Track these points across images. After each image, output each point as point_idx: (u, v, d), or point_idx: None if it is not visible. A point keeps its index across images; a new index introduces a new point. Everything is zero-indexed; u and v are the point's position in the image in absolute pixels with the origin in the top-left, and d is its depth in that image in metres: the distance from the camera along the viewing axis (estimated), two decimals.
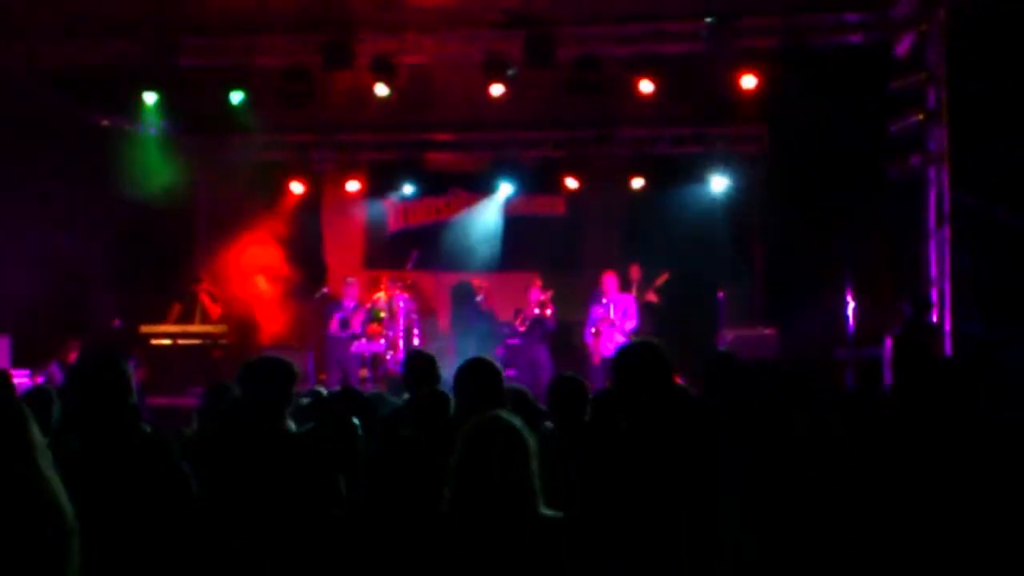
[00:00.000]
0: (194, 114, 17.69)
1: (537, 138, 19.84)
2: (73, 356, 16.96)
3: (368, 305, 18.34)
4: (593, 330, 17.26)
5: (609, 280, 17.27)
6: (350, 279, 18.43)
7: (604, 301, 17.19)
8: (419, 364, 7.92)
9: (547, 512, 4.55)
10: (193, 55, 16.49)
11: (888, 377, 13.73)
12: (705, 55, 15.75)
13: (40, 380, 15.14)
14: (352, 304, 17.96)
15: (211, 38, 16.25)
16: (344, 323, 17.76)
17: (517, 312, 18.17)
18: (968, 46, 13.80)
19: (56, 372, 16.54)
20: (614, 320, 17.04)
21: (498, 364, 6.73)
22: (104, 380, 5.06)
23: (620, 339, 17.04)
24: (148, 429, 5.16)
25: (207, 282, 18.88)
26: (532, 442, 4.67)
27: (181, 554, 4.78)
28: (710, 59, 15.80)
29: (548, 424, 7.22)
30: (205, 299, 18.47)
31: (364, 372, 18.14)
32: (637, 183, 19.69)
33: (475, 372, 6.61)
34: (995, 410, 6.04)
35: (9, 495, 3.78)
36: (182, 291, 18.66)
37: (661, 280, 18.05)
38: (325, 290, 18.46)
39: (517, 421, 4.73)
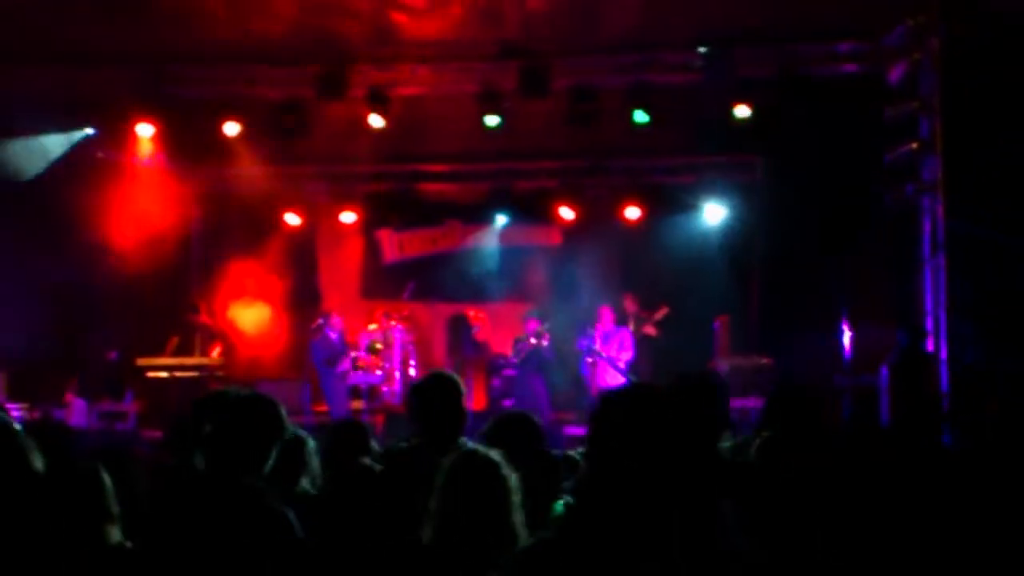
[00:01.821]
0: (189, 146, 17.67)
1: (532, 168, 19.84)
2: (70, 394, 16.96)
3: (364, 339, 18.35)
4: (590, 361, 17.26)
5: (605, 313, 17.29)
6: (327, 314, 18.26)
7: (600, 334, 17.22)
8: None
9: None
10: (188, 86, 16.55)
11: (885, 406, 13.73)
12: (700, 85, 15.82)
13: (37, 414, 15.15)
14: (336, 337, 17.81)
15: (206, 68, 16.30)
16: (331, 360, 17.66)
17: (514, 343, 18.15)
18: (961, 75, 13.85)
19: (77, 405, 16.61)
20: (610, 354, 17.06)
21: (459, 380, 6.60)
22: None
23: (617, 371, 17.07)
24: None
25: (204, 312, 18.86)
26: (513, 478, 4.62)
27: None
28: (705, 89, 15.86)
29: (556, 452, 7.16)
30: (201, 330, 18.47)
31: (359, 404, 18.08)
32: (632, 213, 19.68)
33: (437, 390, 6.48)
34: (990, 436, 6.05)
35: None
36: (179, 323, 18.66)
37: (660, 314, 18.05)
38: (320, 321, 18.39)
39: (496, 456, 4.69)
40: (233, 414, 5.21)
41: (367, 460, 6.42)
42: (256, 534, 4.71)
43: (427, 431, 6.35)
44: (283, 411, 5.56)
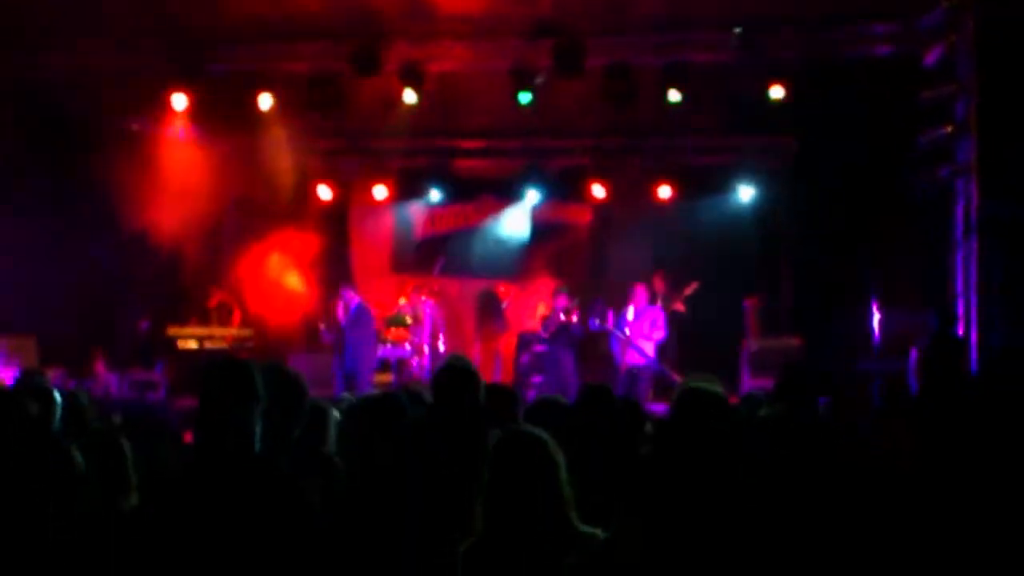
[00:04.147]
0: (223, 119, 17.72)
1: (565, 146, 19.81)
2: (99, 365, 17.08)
3: (392, 311, 18.40)
4: (620, 337, 17.28)
5: (639, 291, 17.29)
6: (348, 284, 18.32)
7: (633, 311, 17.24)
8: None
9: (585, 528, 4.52)
10: (223, 60, 16.61)
11: (914, 389, 13.71)
12: (734, 66, 15.79)
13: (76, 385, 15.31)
14: (354, 305, 17.71)
15: (240, 44, 16.35)
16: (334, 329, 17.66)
17: (543, 320, 18.17)
18: (997, 57, 13.79)
19: (107, 377, 16.74)
20: (642, 332, 17.10)
21: (473, 365, 6.57)
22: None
23: (648, 349, 17.10)
24: None
25: (224, 288, 18.93)
26: (560, 456, 4.63)
27: None
28: (739, 69, 15.83)
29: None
30: (220, 306, 18.57)
31: (389, 377, 18.14)
32: (664, 192, 19.66)
33: (455, 376, 6.41)
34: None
35: None
36: (207, 295, 18.79)
37: (690, 290, 18.04)
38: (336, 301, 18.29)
39: (544, 434, 4.70)
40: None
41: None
42: (268, 505, 4.67)
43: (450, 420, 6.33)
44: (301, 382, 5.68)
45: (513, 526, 4.47)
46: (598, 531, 4.44)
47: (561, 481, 4.55)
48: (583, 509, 4.58)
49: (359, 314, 17.50)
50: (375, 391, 8.59)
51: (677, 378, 16.29)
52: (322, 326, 17.89)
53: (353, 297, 17.63)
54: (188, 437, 6.71)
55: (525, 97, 16.23)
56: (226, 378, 4.88)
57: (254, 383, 4.86)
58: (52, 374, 15.25)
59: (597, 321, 17.67)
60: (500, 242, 20.86)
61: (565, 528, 4.45)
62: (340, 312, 17.63)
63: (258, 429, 4.82)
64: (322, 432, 6.48)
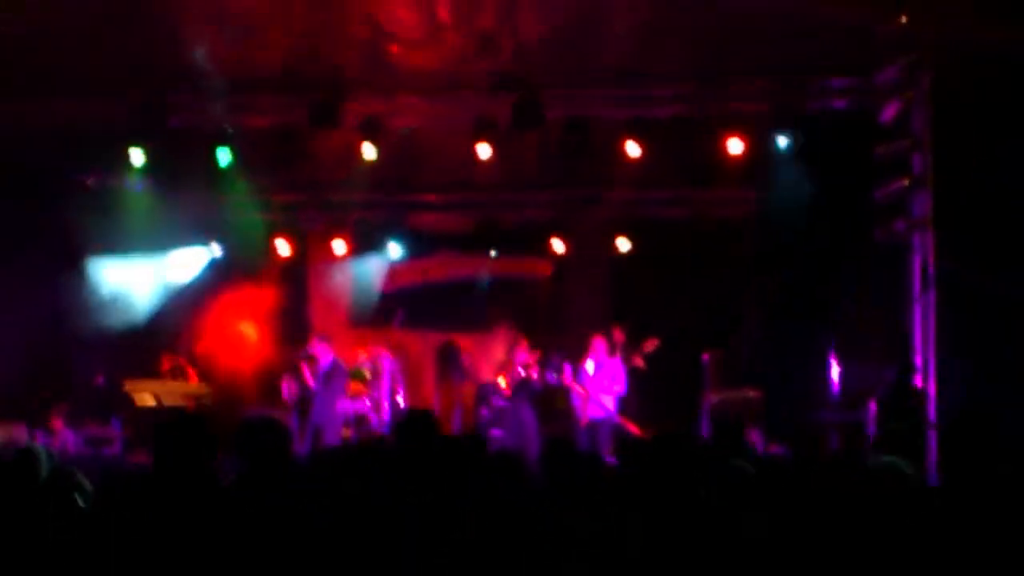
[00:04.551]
0: (181, 173, 17.66)
1: (524, 200, 19.84)
2: (57, 420, 16.93)
3: (350, 365, 18.29)
4: (582, 392, 17.27)
5: (598, 344, 17.29)
6: (320, 337, 18.14)
7: (592, 364, 17.23)
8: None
9: None
10: (181, 113, 16.58)
11: (871, 441, 13.75)
12: (693, 119, 15.89)
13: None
14: (329, 361, 17.65)
15: (199, 97, 16.31)
16: (291, 387, 17.55)
17: (503, 373, 18.12)
18: (953, 113, 13.90)
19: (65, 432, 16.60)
20: (602, 385, 17.08)
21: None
22: None
23: (608, 402, 17.08)
24: None
25: (178, 354, 18.82)
26: None
27: None
28: (698, 123, 15.93)
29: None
30: (178, 369, 18.46)
31: (348, 432, 18.03)
32: (624, 245, 19.70)
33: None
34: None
35: None
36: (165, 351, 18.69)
37: (650, 347, 18.01)
38: (307, 351, 18.26)
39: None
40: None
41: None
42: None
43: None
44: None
45: None
46: None
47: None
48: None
49: (332, 369, 17.43)
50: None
51: (636, 431, 16.29)
52: (284, 384, 17.75)
53: (326, 352, 17.54)
54: None
55: (485, 151, 16.28)
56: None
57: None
58: (15, 427, 15.20)
59: (554, 375, 17.65)
60: (459, 296, 20.82)
61: None
62: (305, 368, 17.58)
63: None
64: None
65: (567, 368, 17.58)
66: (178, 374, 18.33)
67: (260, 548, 4.82)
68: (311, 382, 17.49)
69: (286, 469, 5.92)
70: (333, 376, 17.41)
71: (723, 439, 7.96)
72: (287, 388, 17.67)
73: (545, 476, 7.23)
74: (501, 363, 18.53)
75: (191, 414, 4.83)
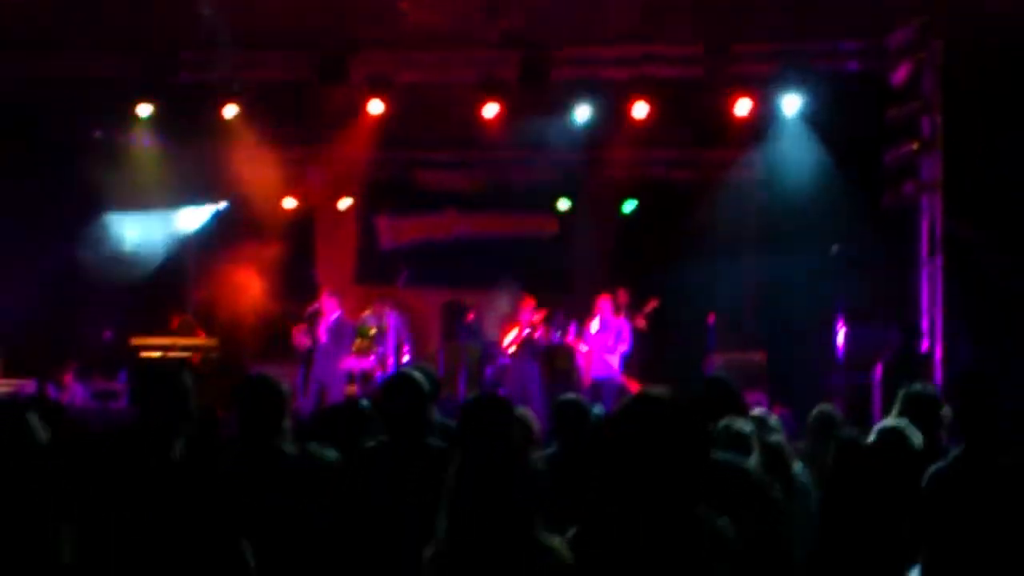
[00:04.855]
0: (188, 128, 17.64)
1: (531, 158, 19.79)
2: (68, 375, 16.98)
3: (356, 322, 18.27)
4: (585, 350, 17.28)
5: (604, 303, 17.28)
6: (330, 292, 18.10)
7: (598, 323, 17.23)
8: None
9: (546, 539, 4.43)
10: (189, 70, 16.53)
11: (877, 404, 13.76)
12: (701, 79, 15.84)
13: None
14: (335, 315, 17.65)
15: (208, 52, 16.26)
16: (307, 333, 17.47)
17: (508, 332, 18.11)
18: (963, 76, 13.87)
19: (75, 387, 16.64)
20: (607, 344, 17.09)
21: (424, 381, 6.53)
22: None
23: (613, 362, 17.09)
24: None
25: (189, 314, 18.85)
26: (531, 465, 4.58)
27: None
28: (706, 84, 15.88)
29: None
30: (187, 325, 18.47)
31: (353, 388, 18.03)
32: (629, 205, 19.69)
33: (400, 393, 6.44)
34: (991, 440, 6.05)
35: None
36: (174, 305, 18.73)
37: (649, 308, 18.02)
38: (316, 305, 18.24)
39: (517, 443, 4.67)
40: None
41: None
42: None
43: (391, 432, 6.35)
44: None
45: (473, 532, 4.41)
46: (558, 542, 4.38)
47: (526, 492, 4.46)
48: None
49: (338, 325, 17.45)
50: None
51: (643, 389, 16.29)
52: (297, 335, 17.68)
53: (333, 307, 17.54)
54: None
55: (492, 109, 16.26)
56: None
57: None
58: (26, 385, 15.27)
59: (559, 334, 17.67)
60: (465, 254, 20.81)
61: (526, 537, 4.39)
62: (320, 323, 17.58)
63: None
64: None
65: (571, 327, 17.60)
66: (187, 330, 18.34)
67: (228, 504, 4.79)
68: (322, 336, 17.48)
69: (279, 426, 5.92)
70: (339, 332, 17.43)
71: (721, 399, 7.94)
72: (299, 340, 17.62)
73: (556, 437, 7.26)
74: (506, 322, 18.51)
75: (167, 364, 4.87)
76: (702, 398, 6.56)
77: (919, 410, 6.94)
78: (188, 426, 5.38)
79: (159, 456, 4.97)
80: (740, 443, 6.57)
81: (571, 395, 7.68)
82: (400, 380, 6.48)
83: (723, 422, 6.69)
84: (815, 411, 7.68)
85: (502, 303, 19.12)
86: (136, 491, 4.58)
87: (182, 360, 16.79)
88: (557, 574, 4.30)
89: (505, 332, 18.23)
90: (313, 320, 17.56)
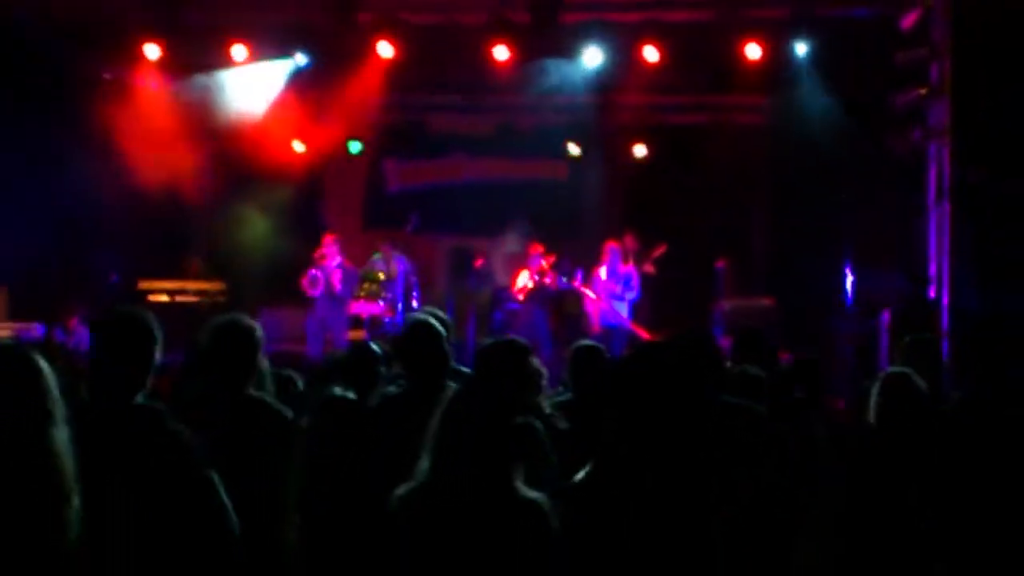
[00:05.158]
0: (197, 69, 17.61)
1: (540, 103, 19.73)
2: (74, 319, 17.00)
3: (363, 268, 18.25)
4: (595, 297, 17.30)
5: (612, 249, 17.29)
6: (329, 237, 17.88)
7: (606, 271, 17.25)
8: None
9: (526, 493, 4.43)
10: (198, 8, 16.50)
11: (885, 350, 13.80)
12: (711, 24, 15.79)
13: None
14: (334, 262, 17.57)
15: None
16: (313, 281, 17.35)
17: (517, 277, 18.12)
18: (972, 22, 13.81)
19: (82, 332, 16.65)
20: (614, 290, 17.12)
21: (438, 324, 6.61)
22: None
23: (622, 309, 17.12)
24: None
25: (196, 257, 18.91)
26: (519, 417, 4.56)
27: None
28: (716, 28, 15.83)
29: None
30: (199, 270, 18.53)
31: (361, 334, 18.02)
32: (639, 151, 19.66)
33: (418, 338, 6.52)
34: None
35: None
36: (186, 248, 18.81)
37: (658, 252, 18.03)
38: (321, 251, 18.16)
39: (505, 392, 4.66)
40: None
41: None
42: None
43: (411, 378, 6.41)
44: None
45: (452, 477, 4.42)
46: (541, 497, 4.40)
47: (510, 441, 4.47)
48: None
49: (342, 271, 17.40)
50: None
51: (649, 338, 16.33)
52: (306, 280, 17.55)
53: (334, 252, 17.44)
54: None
55: (502, 53, 16.23)
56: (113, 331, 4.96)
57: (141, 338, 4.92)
58: (33, 328, 15.29)
59: (565, 279, 17.68)
60: (473, 199, 20.79)
61: (505, 488, 4.40)
62: (328, 263, 17.46)
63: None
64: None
65: (579, 273, 17.61)
66: (200, 274, 18.41)
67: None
68: (325, 283, 17.41)
69: (250, 373, 5.87)
70: (343, 278, 17.35)
71: (742, 347, 8.02)
72: (305, 285, 17.50)
73: (572, 383, 7.29)
74: (515, 266, 18.52)
75: (129, 310, 4.77)
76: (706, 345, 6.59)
77: (921, 357, 7.00)
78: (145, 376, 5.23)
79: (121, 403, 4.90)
80: (754, 387, 6.64)
81: (588, 342, 7.71)
82: (422, 325, 6.53)
83: (738, 368, 6.76)
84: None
85: (511, 244, 19.15)
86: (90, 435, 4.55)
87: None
88: (535, 526, 4.33)
89: (514, 277, 18.25)
90: (318, 265, 17.46)
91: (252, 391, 5.87)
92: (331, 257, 17.35)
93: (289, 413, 5.89)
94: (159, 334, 5.02)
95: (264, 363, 6.23)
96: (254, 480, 5.25)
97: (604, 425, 4.36)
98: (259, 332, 5.94)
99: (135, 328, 4.98)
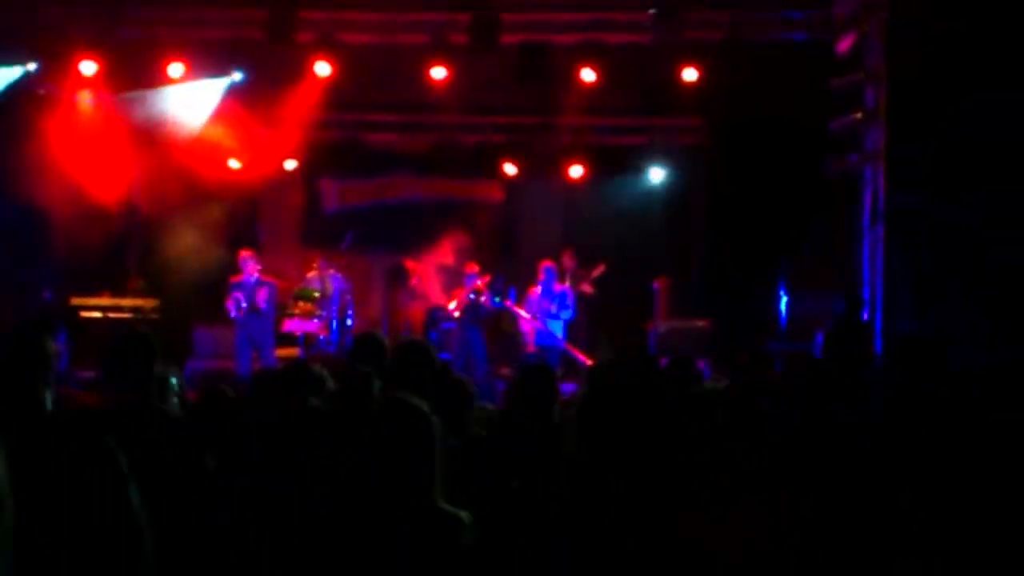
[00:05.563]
0: (133, 85, 17.48)
1: (478, 123, 19.75)
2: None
3: (298, 286, 18.17)
4: (528, 317, 17.30)
5: (547, 269, 17.31)
6: (245, 253, 17.29)
7: (541, 290, 17.26)
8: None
9: (446, 507, 4.43)
10: (134, 24, 16.39)
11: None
12: (648, 46, 15.86)
13: None
14: (253, 279, 17.29)
15: (154, 7, 16.13)
16: (237, 304, 17.02)
17: (452, 297, 18.09)
18: (907, 48, 13.92)
19: None
20: (548, 309, 17.12)
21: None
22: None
23: (556, 328, 17.13)
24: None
25: (134, 275, 18.78)
26: (438, 431, 4.55)
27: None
28: (653, 50, 15.91)
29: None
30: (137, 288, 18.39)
31: (296, 351, 17.92)
32: (576, 171, 19.71)
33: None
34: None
35: None
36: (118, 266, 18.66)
37: (597, 272, 18.11)
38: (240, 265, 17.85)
39: (426, 405, 4.64)
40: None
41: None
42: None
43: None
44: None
45: (370, 491, 4.40)
46: (462, 513, 4.40)
47: (430, 455, 4.45)
48: None
49: (259, 286, 17.09)
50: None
51: (584, 359, 16.34)
52: (231, 304, 17.23)
53: (251, 268, 17.06)
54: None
55: (439, 72, 16.23)
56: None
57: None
58: None
59: (497, 299, 17.66)
60: (410, 217, 20.76)
61: (424, 503, 4.39)
62: (246, 280, 17.16)
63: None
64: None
65: (511, 292, 17.62)
66: (135, 291, 18.28)
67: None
68: (259, 301, 17.13)
69: (147, 383, 5.90)
70: (265, 295, 16.97)
71: (676, 368, 8.07)
72: (233, 307, 17.18)
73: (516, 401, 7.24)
74: (450, 285, 18.50)
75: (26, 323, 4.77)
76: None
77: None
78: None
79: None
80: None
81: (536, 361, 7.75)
82: (369, 340, 6.57)
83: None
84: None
85: (446, 267, 19.13)
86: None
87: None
88: (452, 541, 4.34)
89: (449, 297, 18.22)
90: (239, 287, 17.08)
91: (155, 401, 5.96)
92: (248, 274, 16.96)
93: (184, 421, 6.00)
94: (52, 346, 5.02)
95: (168, 373, 6.39)
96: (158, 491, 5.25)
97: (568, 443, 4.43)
98: (155, 343, 6.00)
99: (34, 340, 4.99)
